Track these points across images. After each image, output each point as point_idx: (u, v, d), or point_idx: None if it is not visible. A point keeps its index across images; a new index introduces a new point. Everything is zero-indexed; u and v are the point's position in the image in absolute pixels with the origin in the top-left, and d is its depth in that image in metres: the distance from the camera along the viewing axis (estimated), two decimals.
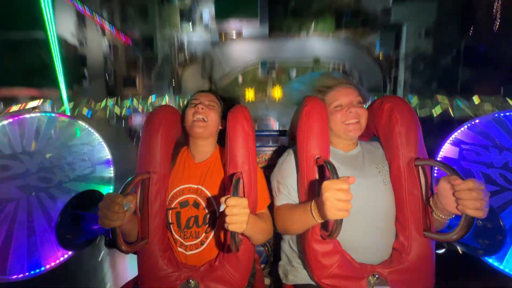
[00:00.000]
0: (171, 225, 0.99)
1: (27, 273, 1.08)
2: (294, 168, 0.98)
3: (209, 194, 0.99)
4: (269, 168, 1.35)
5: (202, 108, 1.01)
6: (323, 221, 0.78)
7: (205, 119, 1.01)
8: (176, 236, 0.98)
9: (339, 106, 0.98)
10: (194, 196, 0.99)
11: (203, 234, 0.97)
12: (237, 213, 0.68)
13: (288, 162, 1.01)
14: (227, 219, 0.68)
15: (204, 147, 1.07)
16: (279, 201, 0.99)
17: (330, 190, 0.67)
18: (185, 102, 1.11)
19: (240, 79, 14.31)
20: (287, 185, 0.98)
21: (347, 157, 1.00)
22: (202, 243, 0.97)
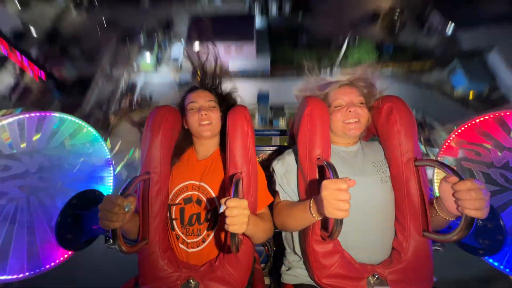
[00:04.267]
0: (174, 221, 0.99)
1: (27, 273, 1.08)
2: (294, 167, 0.98)
3: (210, 191, 1.00)
4: (269, 168, 1.35)
5: (206, 114, 1.02)
6: (321, 218, 0.78)
7: (210, 123, 1.02)
8: (179, 232, 0.98)
9: (340, 106, 0.98)
10: (197, 193, 1.00)
11: (205, 232, 0.97)
12: (237, 215, 0.68)
13: (288, 161, 1.01)
14: (227, 221, 0.68)
15: (209, 145, 1.08)
16: (277, 200, 0.99)
17: (329, 190, 0.67)
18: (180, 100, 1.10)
19: None
20: (286, 183, 0.98)
21: (345, 153, 1.00)
22: (203, 240, 0.97)
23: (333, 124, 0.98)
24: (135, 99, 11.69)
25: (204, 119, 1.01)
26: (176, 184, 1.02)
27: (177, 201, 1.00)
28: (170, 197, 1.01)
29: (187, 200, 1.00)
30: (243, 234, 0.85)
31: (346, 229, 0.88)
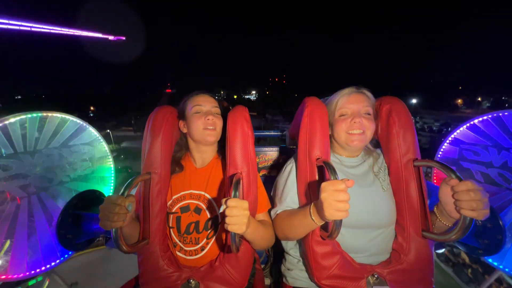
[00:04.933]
0: (171, 229, 0.99)
1: (27, 273, 1.08)
2: (294, 180, 0.97)
3: (212, 200, 0.98)
4: (269, 168, 1.35)
5: (212, 119, 0.99)
6: (322, 223, 0.78)
7: (214, 128, 0.99)
8: (176, 240, 0.98)
9: (345, 115, 0.94)
10: (196, 201, 0.99)
11: (204, 240, 0.96)
12: (237, 215, 0.68)
13: (290, 173, 1.00)
14: (227, 220, 0.68)
15: (207, 152, 1.05)
16: (278, 210, 0.98)
17: (328, 191, 0.67)
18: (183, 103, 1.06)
19: None
20: (286, 199, 0.96)
21: (347, 163, 1.00)
22: (202, 248, 0.96)
23: (336, 133, 0.95)
24: None
25: (210, 124, 0.98)
26: (174, 193, 1.00)
27: (174, 210, 0.99)
28: (167, 205, 0.99)
29: (184, 209, 0.99)
30: (243, 237, 0.85)
31: (347, 237, 0.88)
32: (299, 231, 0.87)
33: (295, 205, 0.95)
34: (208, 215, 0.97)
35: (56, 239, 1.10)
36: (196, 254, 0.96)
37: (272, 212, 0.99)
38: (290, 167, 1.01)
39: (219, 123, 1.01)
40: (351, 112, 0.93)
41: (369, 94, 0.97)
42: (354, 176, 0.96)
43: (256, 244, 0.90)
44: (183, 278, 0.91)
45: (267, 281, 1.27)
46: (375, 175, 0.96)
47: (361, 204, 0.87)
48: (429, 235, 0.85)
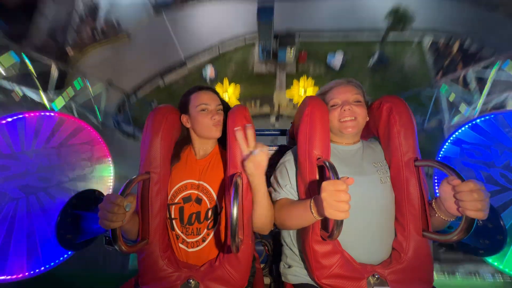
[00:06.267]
0: (173, 221, 0.99)
1: (26, 273, 1.08)
2: (293, 169, 0.98)
3: (210, 189, 1.00)
4: (269, 167, 1.35)
5: (218, 118, 1.05)
6: (321, 218, 0.78)
7: (220, 124, 1.05)
8: (179, 232, 0.98)
9: (336, 105, 0.98)
10: (196, 191, 1.00)
11: (205, 231, 0.97)
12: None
13: (287, 164, 1.01)
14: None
15: (208, 144, 1.09)
16: (277, 197, 0.99)
17: (328, 191, 0.67)
18: (182, 100, 1.09)
19: (209, 72, 6.16)
20: (286, 186, 0.98)
21: (344, 152, 1.00)
22: (203, 239, 0.97)
23: (330, 123, 0.98)
24: (98, 26, 8.87)
25: (217, 122, 1.04)
26: (175, 184, 1.02)
27: (176, 200, 1.00)
28: (169, 196, 1.00)
29: (186, 199, 1.00)
30: (244, 234, 0.86)
31: (345, 228, 0.88)
32: (297, 223, 0.88)
33: (292, 194, 0.97)
34: (208, 205, 0.98)
35: (56, 239, 1.10)
36: (197, 246, 0.97)
37: (272, 197, 1.00)
38: (289, 156, 1.03)
39: (222, 118, 1.07)
40: (341, 101, 0.97)
41: (356, 83, 1.03)
42: (349, 163, 0.97)
43: (259, 214, 0.91)
44: (183, 278, 0.91)
45: (267, 280, 1.28)
46: (374, 166, 0.96)
47: (354, 190, 0.87)
48: (430, 235, 0.85)
